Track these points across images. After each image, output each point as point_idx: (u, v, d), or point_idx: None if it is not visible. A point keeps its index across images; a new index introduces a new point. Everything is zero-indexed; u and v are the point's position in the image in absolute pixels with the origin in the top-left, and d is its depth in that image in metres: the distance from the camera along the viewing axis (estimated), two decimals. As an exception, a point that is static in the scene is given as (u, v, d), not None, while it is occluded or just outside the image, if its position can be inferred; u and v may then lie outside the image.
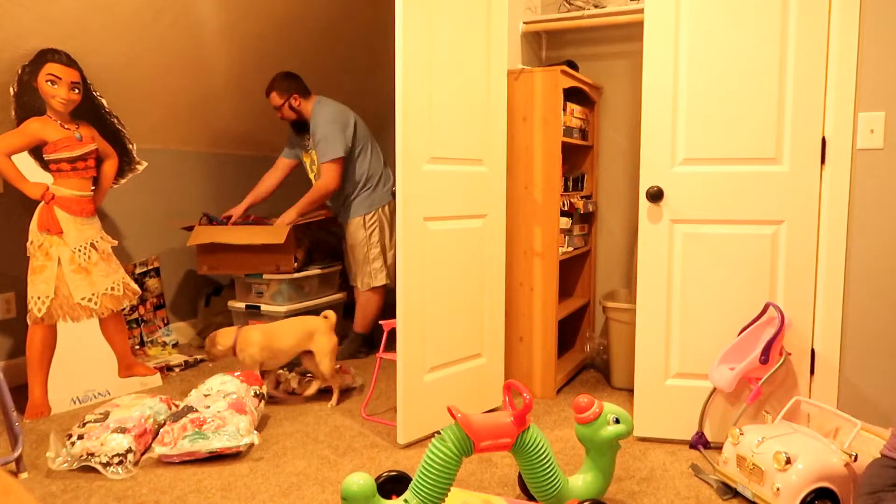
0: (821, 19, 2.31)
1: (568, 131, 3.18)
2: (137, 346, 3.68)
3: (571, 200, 3.23)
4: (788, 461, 1.89)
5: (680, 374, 2.53)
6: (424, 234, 2.48)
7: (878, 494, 1.66)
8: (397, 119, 2.36)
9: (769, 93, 2.37)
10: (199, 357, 3.64)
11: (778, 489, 1.88)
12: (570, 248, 3.31)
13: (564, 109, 3.11)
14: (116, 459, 2.24)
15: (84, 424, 2.37)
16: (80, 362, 2.94)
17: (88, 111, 3.07)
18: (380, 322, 2.76)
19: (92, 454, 2.25)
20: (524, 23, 3.39)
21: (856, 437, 1.96)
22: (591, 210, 3.54)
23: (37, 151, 2.92)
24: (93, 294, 2.96)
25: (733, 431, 2.11)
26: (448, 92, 2.54)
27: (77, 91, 2.95)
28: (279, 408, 2.91)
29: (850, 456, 1.89)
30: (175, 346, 3.88)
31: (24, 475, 2.23)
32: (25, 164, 2.89)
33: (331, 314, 2.99)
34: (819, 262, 2.40)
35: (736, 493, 2.09)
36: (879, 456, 1.79)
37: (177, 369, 3.45)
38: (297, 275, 3.64)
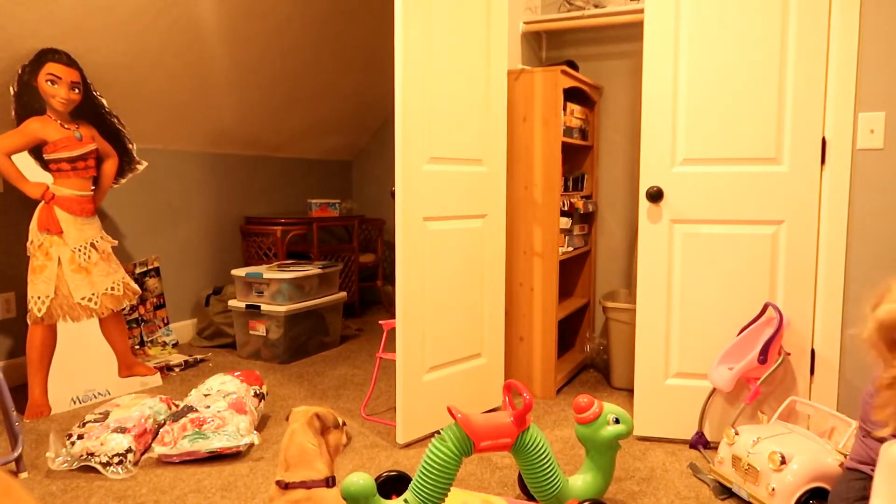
0: (821, 19, 2.31)
1: (568, 131, 3.18)
2: (137, 346, 3.68)
3: (571, 200, 3.23)
4: (783, 461, 1.89)
5: (680, 373, 2.53)
6: (424, 234, 2.48)
7: None
8: (397, 119, 2.36)
9: (769, 93, 2.37)
10: (198, 357, 3.64)
11: (773, 489, 1.88)
12: (570, 248, 3.31)
13: (564, 109, 3.11)
14: (116, 459, 2.24)
15: (84, 424, 2.37)
16: (80, 362, 2.94)
17: (88, 111, 3.07)
18: (380, 322, 2.76)
19: (92, 454, 2.25)
20: (524, 23, 3.39)
21: (851, 437, 1.96)
22: (591, 210, 3.54)
23: (37, 151, 2.92)
24: (93, 294, 2.96)
25: (728, 432, 2.11)
26: (448, 92, 2.54)
27: (77, 91, 2.95)
28: (279, 408, 2.91)
29: (845, 456, 1.89)
30: (175, 345, 3.88)
31: (24, 475, 2.23)
32: (25, 164, 2.89)
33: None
34: (819, 262, 2.40)
35: (732, 494, 2.09)
36: (844, 469, 1.79)
37: (177, 369, 3.45)
38: (296, 274, 3.64)
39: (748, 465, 1.99)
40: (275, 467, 2.29)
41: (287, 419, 1.75)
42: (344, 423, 1.77)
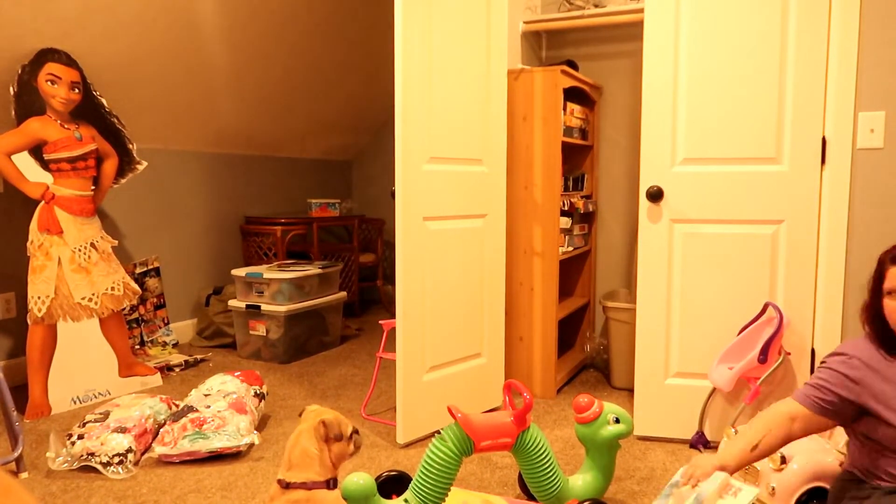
0: (821, 19, 2.31)
1: (568, 131, 3.18)
2: (138, 346, 3.68)
3: (571, 200, 3.23)
4: (783, 461, 1.89)
5: (680, 373, 2.53)
6: (424, 233, 2.48)
7: None
8: (397, 119, 2.36)
9: (769, 93, 2.37)
10: (198, 357, 3.64)
11: (773, 489, 1.88)
12: (570, 248, 3.31)
13: (564, 109, 3.11)
14: (116, 459, 2.24)
15: (84, 424, 2.37)
16: (80, 362, 2.95)
17: (88, 111, 3.07)
18: (380, 322, 2.76)
19: (92, 454, 2.25)
20: (524, 22, 3.39)
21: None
22: (591, 210, 3.54)
23: (37, 151, 2.92)
24: (93, 294, 2.96)
25: (729, 431, 2.11)
26: (448, 92, 2.54)
27: (77, 91, 2.96)
28: (279, 408, 2.91)
29: (846, 456, 1.89)
30: (175, 345, 3.88)
31: (24, 475, 2.23)
32: (25, 164, 2.89)
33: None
34: (819, 262, 2.40)
35: (735, 493, 2.09)
36: (842, 469, 1.79)
37: (177, 369, 3.45)
38: (296, 274, 3.64)
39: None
40: (275, 467, 2.29)
41: (300, 416, 1.77)
42: (355, 432, 1.75)
